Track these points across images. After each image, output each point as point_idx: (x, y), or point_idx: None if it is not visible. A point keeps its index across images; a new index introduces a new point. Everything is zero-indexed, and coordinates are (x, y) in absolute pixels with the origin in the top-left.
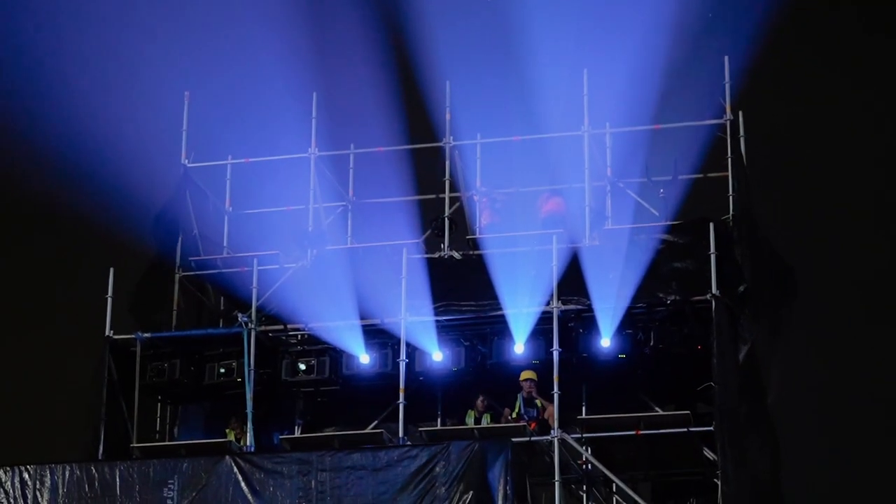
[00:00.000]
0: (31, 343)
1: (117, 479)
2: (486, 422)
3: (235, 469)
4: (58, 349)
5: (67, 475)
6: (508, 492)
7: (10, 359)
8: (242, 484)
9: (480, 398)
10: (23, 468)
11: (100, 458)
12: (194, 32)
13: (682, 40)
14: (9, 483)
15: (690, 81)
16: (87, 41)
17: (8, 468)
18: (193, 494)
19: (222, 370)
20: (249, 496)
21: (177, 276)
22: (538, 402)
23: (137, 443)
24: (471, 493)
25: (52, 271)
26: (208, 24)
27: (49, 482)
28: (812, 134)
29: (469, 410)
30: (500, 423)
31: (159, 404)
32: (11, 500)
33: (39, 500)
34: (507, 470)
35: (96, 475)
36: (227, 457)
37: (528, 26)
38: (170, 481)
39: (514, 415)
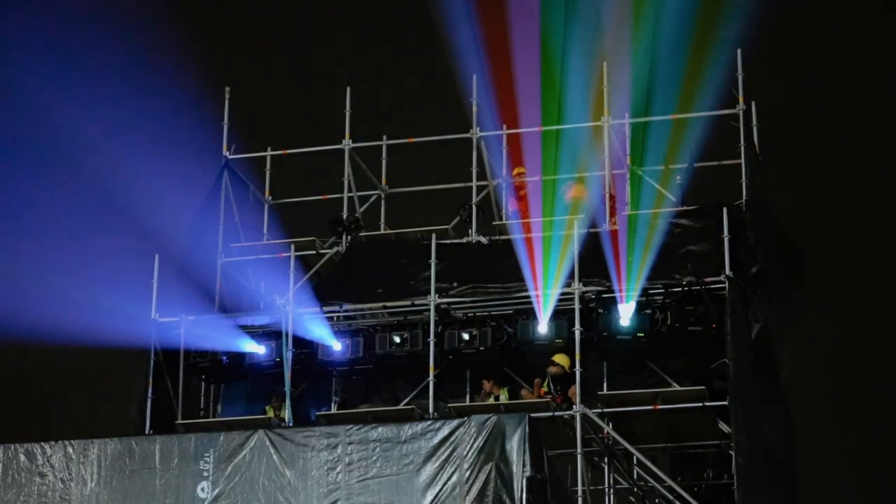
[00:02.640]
0: (83, 327)
1: (156, 453)
2: (503, 398)
3: (268, 442)
4: (107, 331)
5: (109, 449)
6: (526, 462)
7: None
8: (274, 456)
9: (486, 381)
10: (67, 442)
11: (147, 433)
12: (236, 35)
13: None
14: (54, 456)
15: (705, 72)
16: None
17: (53, 442)
18: (228, 466)
19: (262, 350)
20: (280, 467)
21: (219, 262)
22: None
23: (182, 419)
24: (491, 463)
25: (101, 257)
26: (250, 27)
27: (92, 455)
28: (824, 121)
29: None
30: (519, 396)
31: (203, 383)
32: (57, 473)
33: (83, 472)
34: (525, 442)
35: (136, 448)
36: (261, 430)
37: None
38: (206, 454)
39: (544, 387)
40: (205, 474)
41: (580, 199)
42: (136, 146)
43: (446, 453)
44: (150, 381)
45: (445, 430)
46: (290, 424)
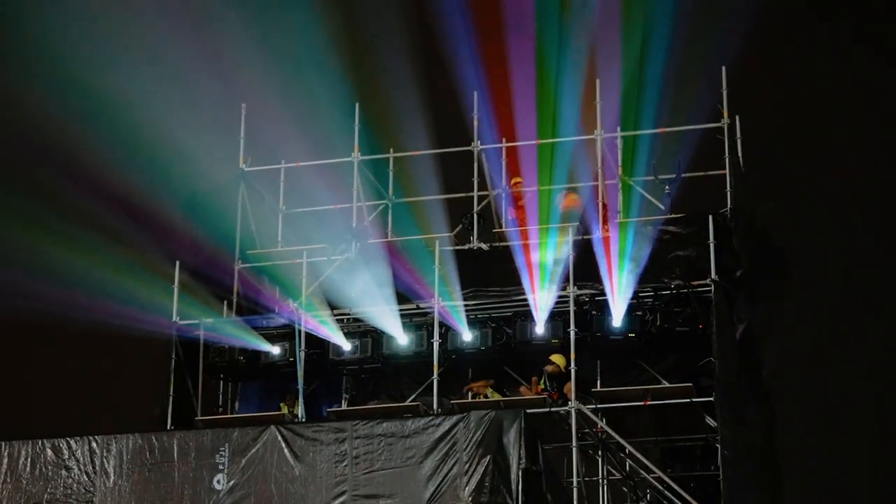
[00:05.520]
0: (109, 330)
1: (175, 447)
2: (488, 395)
3: (279, 437)
4: (131, 334)
5: (131, 443)
6: (522, 455)
7: (91, 344)
8: (285, 450)
9: (474, 383)
10: (91, 438)
11: (168, 429)
12: (251, 56)
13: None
14: (79, 451)
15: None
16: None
17: (78, 438)
18: (242, 459)
19: (277, 351)
20: (291, 460)
21: (236, 268)
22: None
23: (201, 416)
24: (488, 456)
25: (126, 266)
26: (264, 48)
27: (114, 450)
28: (805, 130)
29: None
30: (505, 394)
31: (221, 382)
32: (82, 466)
33: (106, 465)
34: (521, 436)
35: (156, 443)
36: (272, 426)
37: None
38: (221, 448)
39: (541, 385)
40: (220, 467)
41: (574, 207)
42: (163, 162)
43: (447, 447)
44: (172, 380)
45: (446, 425)
46: (303, 420)
